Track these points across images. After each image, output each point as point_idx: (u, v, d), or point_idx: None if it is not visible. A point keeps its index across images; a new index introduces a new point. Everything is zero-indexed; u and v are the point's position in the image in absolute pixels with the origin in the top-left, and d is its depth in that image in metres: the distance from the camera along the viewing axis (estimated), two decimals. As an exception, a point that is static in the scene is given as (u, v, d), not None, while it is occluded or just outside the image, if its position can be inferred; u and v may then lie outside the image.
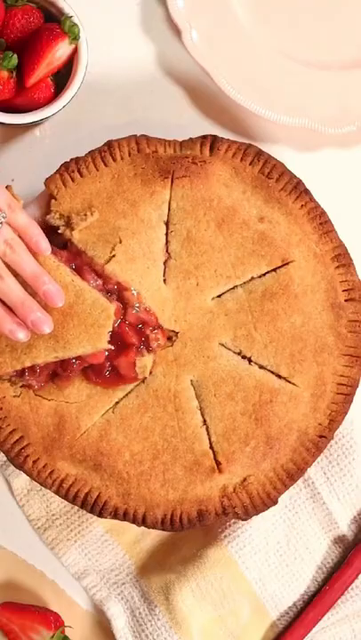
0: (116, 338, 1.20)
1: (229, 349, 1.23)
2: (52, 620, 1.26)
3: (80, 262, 1.21)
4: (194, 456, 1.21)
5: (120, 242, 1.21)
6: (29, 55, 1.25)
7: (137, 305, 1.21)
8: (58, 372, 1.21)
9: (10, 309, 1.17)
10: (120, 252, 1.21)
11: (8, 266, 1.16)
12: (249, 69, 1.33)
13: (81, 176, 1.24)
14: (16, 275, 1.17)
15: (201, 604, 1.28)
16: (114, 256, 1.21)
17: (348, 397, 1.24)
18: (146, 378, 1.22)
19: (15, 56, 1.24)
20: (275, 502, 1.23)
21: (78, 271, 1.21)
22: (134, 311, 1.20)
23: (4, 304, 1.17)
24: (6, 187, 1.19)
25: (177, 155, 1.25)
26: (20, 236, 1.17)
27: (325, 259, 1.25)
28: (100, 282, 1.20)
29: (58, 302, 1.17)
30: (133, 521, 1.23)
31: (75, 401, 1.22)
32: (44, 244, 1.18)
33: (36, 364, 1.19)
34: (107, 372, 1.21)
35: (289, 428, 1.22)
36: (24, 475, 1.28)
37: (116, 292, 1.21)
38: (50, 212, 1.24)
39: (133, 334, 1.20)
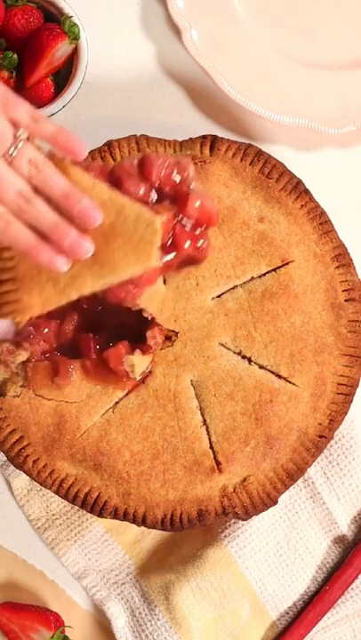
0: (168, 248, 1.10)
1: (229, 349, 1.23)
2: (52, 620, 1.26)
3: (119, 170, 1.09)
4: (194, 456, 1.21)
5: None
6: (29, 55, 1.25)
7: None
8: (56, 371, 1.20)
9: (43, 237, 1.03)
10: None
11: (37, 189, 1.03)
12: (249, 69, 1.33)
13: (81, 176, 1.24)
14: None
15: (201, 603, 1.28)
16: None
17: (348, 397, 1.24)
18: (146, 378, 1.22)
19: (15, 56, 1.24)
20: (275, 502, 1.23)
21: (116, 182, 1.08)
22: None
23: (37, 232, 1.03)
24: None
25: (177, 155, 1.25)
26: (51, 147, 1.05)
27: (325, 259, 1.25)
28: (144, 188, 1.09)
29: (95, 220, 1.03)
30: (133, 521, 1.23)
31: (75, 401, 1.21)
32: (79, 148, 1.04)
33: (83, 295, 1.06)
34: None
35: (289, 427, 1.22)
36: (24, 475, 1.28)
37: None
38: (50, 212, 1.23)
39: (188, 238, 1.11)
